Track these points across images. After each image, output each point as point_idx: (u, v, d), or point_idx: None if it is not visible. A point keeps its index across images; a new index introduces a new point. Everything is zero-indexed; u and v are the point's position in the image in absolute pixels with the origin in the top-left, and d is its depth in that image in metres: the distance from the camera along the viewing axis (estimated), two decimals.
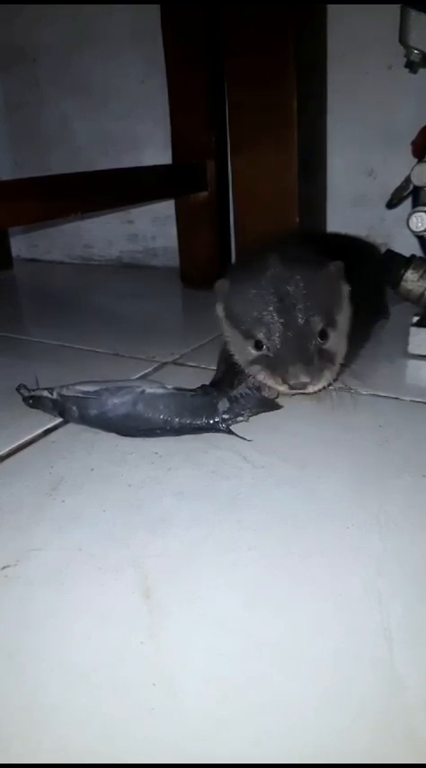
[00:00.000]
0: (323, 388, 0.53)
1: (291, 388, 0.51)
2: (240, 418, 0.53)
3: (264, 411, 0.54)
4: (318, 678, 0.30)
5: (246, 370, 0.55)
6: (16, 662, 0.31)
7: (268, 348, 0.52)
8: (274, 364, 0.51)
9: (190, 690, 0.29)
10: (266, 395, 0.53)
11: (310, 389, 0.52)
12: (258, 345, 0.53)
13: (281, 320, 0.51)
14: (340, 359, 0.55)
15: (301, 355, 0.50)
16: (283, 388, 0.52)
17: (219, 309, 0.59)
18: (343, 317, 0.56)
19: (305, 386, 0.50)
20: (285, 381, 0.50)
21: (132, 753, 0.27)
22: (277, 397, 0.54)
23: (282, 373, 0.50)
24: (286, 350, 0.51)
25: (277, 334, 0.51)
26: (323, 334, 0.52)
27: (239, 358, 0.57)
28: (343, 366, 0.57)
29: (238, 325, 0.55)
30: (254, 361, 0.53)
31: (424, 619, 0.33)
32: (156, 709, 0.28)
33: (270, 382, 0.52)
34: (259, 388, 0.53)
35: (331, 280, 0.55)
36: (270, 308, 0.51)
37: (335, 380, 0.55)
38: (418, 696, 0.28)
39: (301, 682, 0.29)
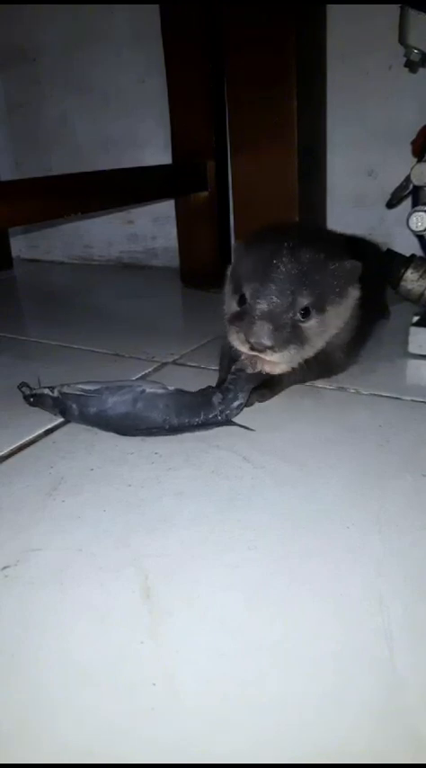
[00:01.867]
0: (291, 371, 0.54)
1: (252, 348, 0.50)
2: (237, 402, 0.53)
3: (255, 385, 0.54)
4: (318, 678, 0.30)
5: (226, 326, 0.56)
6: (16, 661, 0.31)
7: (248, 305, 0.52)
8: (244, 320, 0.51)
9: (191, 690, 0.29)
10: (250, 371, 0.53)
11: (270, 356, 0.51)
12: (242, 301, 0.53)
13: (270, 284, 0.51)
14: (313, 347, 0.55)
15: (271, 319, 0.50)
16: (245, 348, 0.52)
17: (229, 269, 0.60)
18: (337, 313, 0.56)
19: (265, 348, 0.50)
20: (247, 339, 0.50)
21: (132, 753, 0.27)
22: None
23: (247, 329, 0.50)
24: (260, 310, 0.51)
25: (260, 295, 0.51)
26: (306, 313, 0.52)
27: (226, 312, 0.58)
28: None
29: (234, 279, 0.56)
30: (233, 317, 0.54)
31: (424, 619, 0.33)
32: (156, 709, 0.28)
33: (234, 338, 0.52)
34: (242, 369, 0.53)
35: (340, 274, 0.55)
36: (266, 272, 0.52)
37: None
38: (418, 696, 0.28)
39: (301, 682, 0.29)
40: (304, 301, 0.52)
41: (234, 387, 0.53)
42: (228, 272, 0.60)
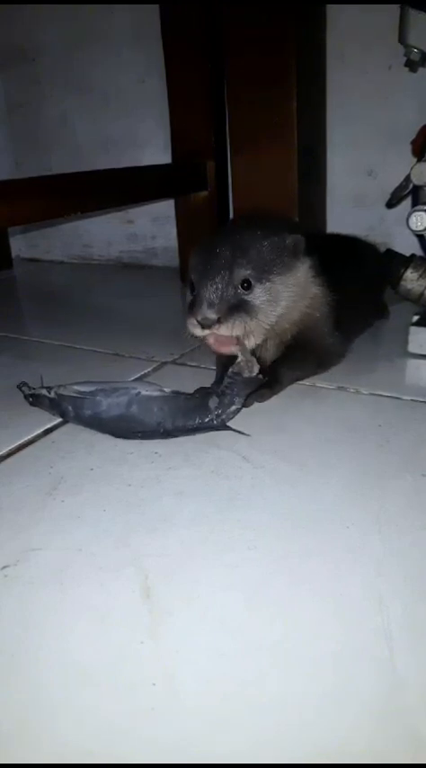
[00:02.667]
0: (252, 341, 0.55)
1: (202, 326, 0.53)
2: (233, 407, 0.53)
3: (252, 390, 0.54)
4: (318, 678, 0.30)
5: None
6: (16, 661, 0.31)
7: (195, 293, 0.55)
8: (192, 304, 0.54)
9: (191, 690, 0.29)
10: (247, 375, 0.53)
11: (221, 330, 0.53)
12: (192, 289, 0.56)
13: (209, 267, 0.54)
14: (267, 316, 0.56)
15: (211, 295, 0.53)
16: (199, 331, 0.54)
17: None
18: (286, 284, 0.57)
19: (212, 323, 0.52)
20: (196, 320, 0.53)
21: (132, 753, 0.27)
22: (259, 373, 0.54)
23: (195, 312, 0.53)
24: (201, 291, 0.53)
25: (201, 278, 0.54)
26: (247, 285, 0.54)
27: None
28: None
29: (188, 278, 0.58)
30: (187, 307, 0.56)
31: (424, 619, 0.33)
32: (156, 709, 0.28)
33: (190, 326, 0.54)
34: (238, 373, 0.53)
35: (282, 248, 0.56)
36: (205, 257, 0.55)
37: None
38: (418, 696, 0.28)
39: (301, 682, 0.29)
40: (243, 273, 0.54)
41: (230, 391, 0.53)
42: None
